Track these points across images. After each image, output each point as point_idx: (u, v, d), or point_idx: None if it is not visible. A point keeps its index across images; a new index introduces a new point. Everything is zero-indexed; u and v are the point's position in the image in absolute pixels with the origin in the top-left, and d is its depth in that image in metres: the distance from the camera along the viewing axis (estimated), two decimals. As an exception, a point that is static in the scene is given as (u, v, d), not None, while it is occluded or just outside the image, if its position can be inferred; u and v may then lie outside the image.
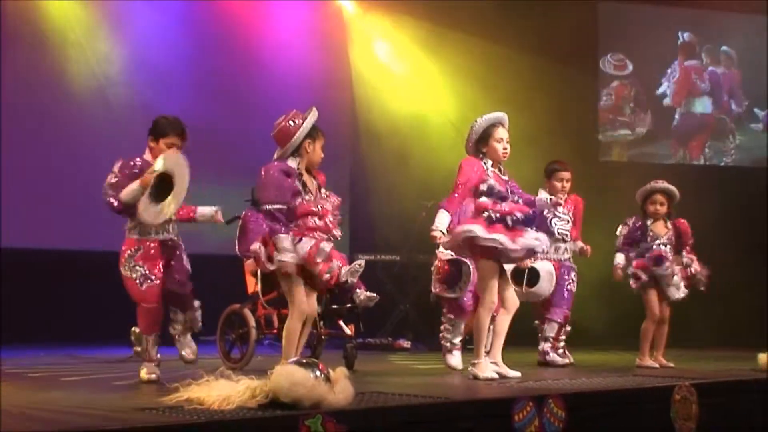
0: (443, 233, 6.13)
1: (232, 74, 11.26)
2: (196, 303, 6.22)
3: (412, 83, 12.28)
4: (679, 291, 7.52)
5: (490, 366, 6.13)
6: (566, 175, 7.81)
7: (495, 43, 11.56)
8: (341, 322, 7.33)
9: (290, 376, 4.18)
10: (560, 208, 7.69)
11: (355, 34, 12.47)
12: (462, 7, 11.60)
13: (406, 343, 10.23)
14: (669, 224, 7.65)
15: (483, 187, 6.16)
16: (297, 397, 4.11)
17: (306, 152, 5.77)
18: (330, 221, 5.75)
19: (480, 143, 6.31)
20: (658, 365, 7.45)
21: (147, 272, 5.87)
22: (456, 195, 6.21)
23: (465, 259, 6.74)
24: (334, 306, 7.31)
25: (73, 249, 10.02)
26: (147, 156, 5.99)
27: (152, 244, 5.93)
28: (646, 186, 7.75)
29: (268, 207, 5.65)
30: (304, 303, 5.72)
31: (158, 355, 5.99)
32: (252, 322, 7.10)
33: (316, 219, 5.69)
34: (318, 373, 4.27)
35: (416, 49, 12.10)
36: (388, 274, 10.78)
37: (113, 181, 5.89)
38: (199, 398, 4.21)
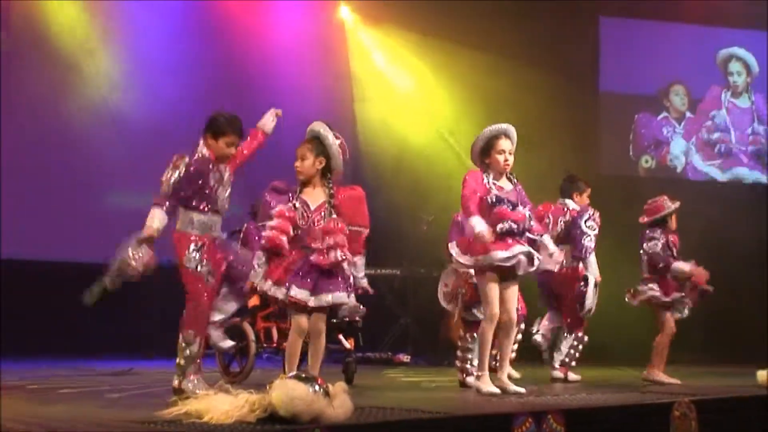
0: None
1: (233, 86, 11.28)
2: None
3: (413, 99, 12.31)
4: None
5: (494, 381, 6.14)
6: (586, 190, 7.98)
7: (498, 56, 11.59)
8: (341, 336, 7.32)
9: (289, 390, 4.17)
10: (590, 222, 7.68)
11: (357, 49, 12.50)
12: (463, 19, 11.62)
13: (406, 358, 10.23)
14: None
15: (490, 199, 6.16)
16: (296, 411, 4.11)
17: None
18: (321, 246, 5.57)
19: (483, 155, 6.31)
20: (667, 381, 7.40)
21: (212, 269, 5.75)
22: (470, 205, 6.14)
23: None
24: (334, 320, 7.30)
25: (74, 261, 10.01)
26: (204, 151, 5.82)
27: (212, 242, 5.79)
28: (670, 203, 7.65)
29: (259, 224, 5.68)
30: (301, 320, 5.66)
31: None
32: (251, 336, 7.09)
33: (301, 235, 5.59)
34: (317, 387, 4.27)
35: (419, 64, 12.14)
36: (389, 288, 10.77)
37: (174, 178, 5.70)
38: (197, 412, 4.21)
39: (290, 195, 5.65)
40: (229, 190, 5.88)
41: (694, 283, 7.49)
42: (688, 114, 12.06)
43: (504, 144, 6.24)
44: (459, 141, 11.55)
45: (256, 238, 7.33)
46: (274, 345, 7.17)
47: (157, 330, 7.95)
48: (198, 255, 5.68)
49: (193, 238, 5.69)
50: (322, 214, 5.65)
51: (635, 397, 6.11)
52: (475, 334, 6.77)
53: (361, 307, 6.88)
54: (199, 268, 5.68)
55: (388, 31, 12.31)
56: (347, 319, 7.06)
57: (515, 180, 6.33)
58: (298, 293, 5.48)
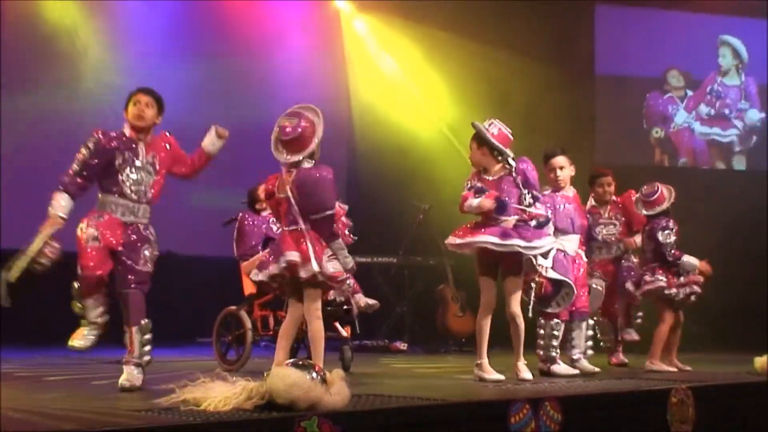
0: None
1: (228, 77, 11.27)
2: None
3: (409, 89, 12.30)
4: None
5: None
6: (607, 179, 7.91)
7: (493, 47, 11.57)
8: (337, 324, 7.31)
9: (286, 377, 4.17)
10: (604, 213, 7.82)
11: (353, 39, 12.49)
12: (460, 10, 11.61)
13: (403, 345, 10.24)
14: None
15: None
16: (293, 398, 4.10)
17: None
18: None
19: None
20: (675, 369, 7.39)
21: (98, 236, 5.39)
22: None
23: (567, 279, 6.57)
24: (330, 308, 7.30)
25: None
26: (125, 130, 5.62)
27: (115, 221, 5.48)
28: (667, 191, 7.54)
29: (329, 212, 5.47)
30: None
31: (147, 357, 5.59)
32: (248, 324, 7.09)
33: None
34: (314, 374, 4.26)
35: (414, 53, 12.13)
36: (385, 277, 10.78)
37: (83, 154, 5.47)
38: (195, 400, 4.20)
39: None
40: (146, 178, 5.57)
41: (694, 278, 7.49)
42: (688, 92, 12.65)
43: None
44: (455, 130, 11.54)
45: (252, 223, 7.33)
46: (271, 333, 7.15)
47: (153, 318, 7.91)
48: (86, 225, 5.41)
49: (94, 212, 5.47)
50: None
51: (633, 384, 6.12)
52: (552, 322, 6.75)
53: (376, 302, 6.94)
54: (85, 233, 5.38)
55: (383, 20, 12.29)
56: (357, 312, 7.06)
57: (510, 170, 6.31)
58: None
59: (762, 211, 11.56)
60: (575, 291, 6.63)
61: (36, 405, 4.57)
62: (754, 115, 12.65)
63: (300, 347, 7.28)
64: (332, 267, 5.45)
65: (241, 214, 7.47)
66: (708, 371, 7.33)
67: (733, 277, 10.47)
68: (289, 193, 5.45)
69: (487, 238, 6.08)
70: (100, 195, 5.55)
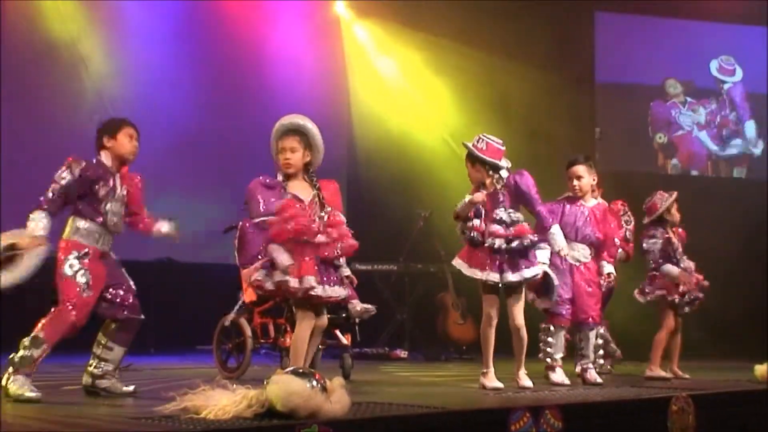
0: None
1: (229, 85, 11.29)
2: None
3: (409, 95, 12.32)
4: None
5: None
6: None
7: (494, 53, 11.61)
8: (338, 332, 7.31)
9: (286, 385, 4.17)
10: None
11: (353, 45, 12.51)
12: (461, 16, 11.63)
13: (403, 353, 10.23)
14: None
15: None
16: (293, 406, 4.10)
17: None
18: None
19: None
20: (671, 375, 7.39)
21: (90, 283, 5.36)
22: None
23: (554, 281, 6.56)
24: (331, 316, 7.30)
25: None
26: (103, 158, 5.58)
27: (97, 254, 5.46)
28: (667, 195, 7.60)
29: (256, 220, 5.47)
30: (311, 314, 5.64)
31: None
32: (248, 332, 7.08)
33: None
34: (314, 382, 4.26)
35: (415, 60, 12.14)
36: (385, 284, 10.78)
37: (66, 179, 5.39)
38: (195, 408, 4.19)
39: (280, 189, 5.53)
40: (119, 209, 5.58)
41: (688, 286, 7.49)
42: (688, 99, 12.85)
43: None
44: (456, 136, 11.57)
45: (251, 231, 7.30)
46: (271, 341, 7.15)
47: (153, 326, 7.90)
48: (78, 263, 5.36)
49: (79, 245, 5.40)
50: (315, 208, 5.58)
51: (633, 392, 6.11)
52: (543, 326, 6.80)
53: (372, 307, 6.92)
54: (77, 277, 5.33)
55: (383, 26, 12.30)
56: (357, 319, 7.06)
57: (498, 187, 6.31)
58: (329, 290, 5.47)
59: (762, 217, 11.59)
60: (556, 294, 6.63)
61: (39, 412, 4.57)
62: (751, 129, 12.85)
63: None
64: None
65: (241, 222, 7.46)
66: (708, 379, 7.32)
67: (734, 284, 10.49)
68: None
69: (488, 276, 6.12)
70: (79, 221, 5.46)
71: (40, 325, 5.29)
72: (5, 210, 9.73)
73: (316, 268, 5.41)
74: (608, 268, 6.92)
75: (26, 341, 5.26)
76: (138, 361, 8.22)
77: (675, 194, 7.66)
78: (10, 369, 5.20)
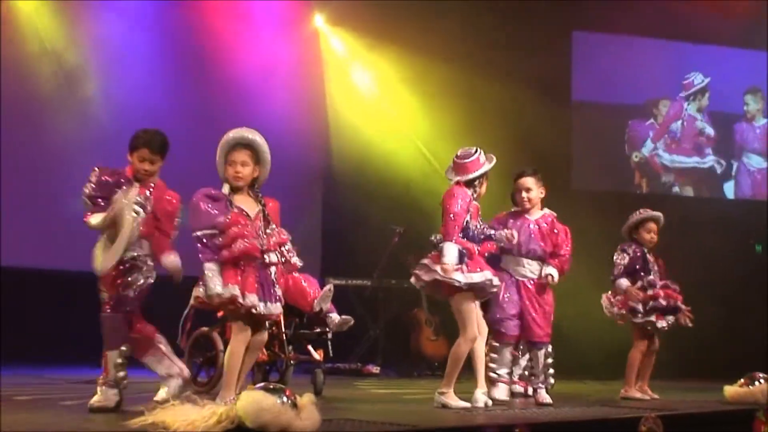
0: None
1: (206, 94, 11.25)
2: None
3: (386, 110, 12.31)
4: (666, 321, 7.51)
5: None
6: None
7: (471, 71, 11.62)
8: (310, 347, 7.30)
9: (256, 401, 4.15)
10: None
11: (331, 60, 12.52)
12: (437, 31, 11.66)
13: (375, 369, 10.22)
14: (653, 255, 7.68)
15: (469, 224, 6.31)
16: (263, 422, 4.09)
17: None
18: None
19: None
20: (648, 397, 7.40)
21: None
22: (455, 225, 6.21)
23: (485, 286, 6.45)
24: (303, 331, 7.28)
25: (70, 270, 9.90)
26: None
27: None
28: (641, 212, 7.66)
29: (198, 234, 5.31)
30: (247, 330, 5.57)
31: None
32: (220, 346, 7.03)
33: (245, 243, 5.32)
34: (284, 398, 4.24)
35: (392, 75, 12.14)
36: (359, 299, 10.76)
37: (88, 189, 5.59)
38: (164, 422, 4.17)
39: (226, 202, 5.40)
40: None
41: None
42: (660, 119, 13.00)
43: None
44: (433, 152, 11.60)
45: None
46: (243, 355, 7.10)
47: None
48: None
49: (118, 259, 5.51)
50: (260, 223, 5.49)
51: (603, 412, 6.13)
52: (495, 343, 6.89)
53: (350, 318, 6.91)
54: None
55: (360, 39, 12.31)
56: (332, 331, 7.05)
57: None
58: (271, 307, 5.43)
59: (732, 239, 11.67)
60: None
61: (3, 425, 4.53)
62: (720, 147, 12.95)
63: (271, 370, 7.27)
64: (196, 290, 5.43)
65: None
66: (678, 399, 7.36)
67: (705, 305, 10.51)
68: None
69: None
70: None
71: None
72: (5, 217, 9.76)
73: (257, 285, 5.34)
74: (549, 269, 6.83)
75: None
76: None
77: (650, 213, 7.64)
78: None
